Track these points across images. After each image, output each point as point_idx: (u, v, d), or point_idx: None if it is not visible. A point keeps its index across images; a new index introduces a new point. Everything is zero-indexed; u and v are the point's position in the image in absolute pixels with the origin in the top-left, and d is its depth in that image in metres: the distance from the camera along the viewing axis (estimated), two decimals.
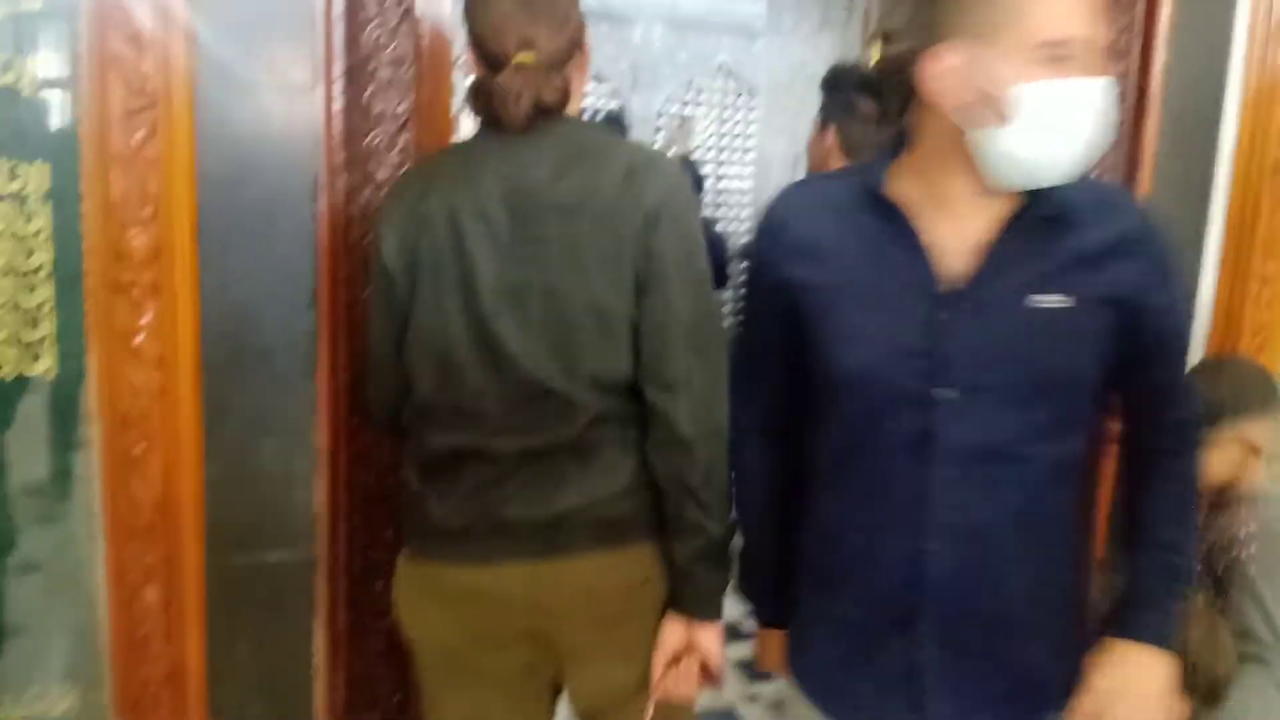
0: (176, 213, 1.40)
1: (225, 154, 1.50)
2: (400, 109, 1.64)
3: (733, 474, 1.36)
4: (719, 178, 5.51)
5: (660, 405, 1.31)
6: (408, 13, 1.61)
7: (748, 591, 1.45)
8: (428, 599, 1.44)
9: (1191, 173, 2.14)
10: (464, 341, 1.33)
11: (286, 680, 1.72)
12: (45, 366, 1.42)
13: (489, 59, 1.34)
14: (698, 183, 5.01)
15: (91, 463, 1.48)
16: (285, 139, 1.55)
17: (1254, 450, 1.80)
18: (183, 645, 1.59)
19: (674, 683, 1.40)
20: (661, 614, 1.40)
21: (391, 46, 1.61)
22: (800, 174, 3.22)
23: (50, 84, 1.37)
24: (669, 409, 1.31)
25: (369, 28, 1.59)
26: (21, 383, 1.42)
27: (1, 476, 1.48)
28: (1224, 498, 1.83)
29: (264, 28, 1.51)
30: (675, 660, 1.39)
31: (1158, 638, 1.20)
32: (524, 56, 1.31)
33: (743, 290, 1.40)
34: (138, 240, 1.38)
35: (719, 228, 5.25)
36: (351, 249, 1.64)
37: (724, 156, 5.64)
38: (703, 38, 5.43)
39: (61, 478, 1.51)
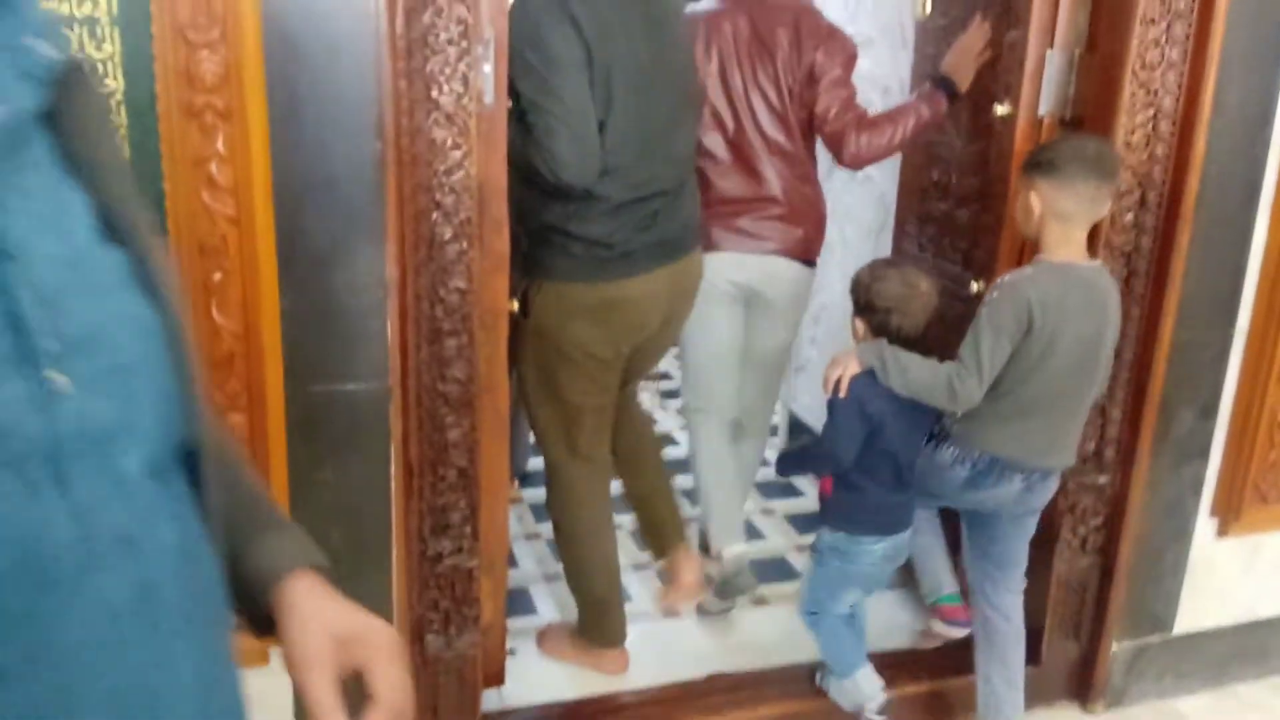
0: (244, 34, 1.39)
1: None
2: None
3: None
4: None
5: None
6: None
7: None
8: (598, 312, 2.05)
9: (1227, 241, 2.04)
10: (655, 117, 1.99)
11: (364, 507, 1.79)
12: None
13: None
14: None
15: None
16: None
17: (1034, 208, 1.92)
18: (266, 472, 1.65)
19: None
20: None
21: None
22: (859, 14, 3.07)
23: None
24: None
25: None
26: None
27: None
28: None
29: None
30: None
31: None
32: None
33: None
34: (208, 63, 1.38)
35: None
36: (413, 75, 1.62)
37: None
38: None
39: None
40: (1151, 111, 2.02)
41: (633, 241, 2.02)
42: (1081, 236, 1.93)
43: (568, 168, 1.90)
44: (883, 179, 2.97)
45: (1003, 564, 2.12)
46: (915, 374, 1.94)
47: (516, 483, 3.19)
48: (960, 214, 2.45)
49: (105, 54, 1.38)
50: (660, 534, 2.47)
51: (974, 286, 2.31)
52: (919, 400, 1.96)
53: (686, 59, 2.14)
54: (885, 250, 2.83)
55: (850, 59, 2.39)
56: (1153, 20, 1.97)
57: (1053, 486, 2.07)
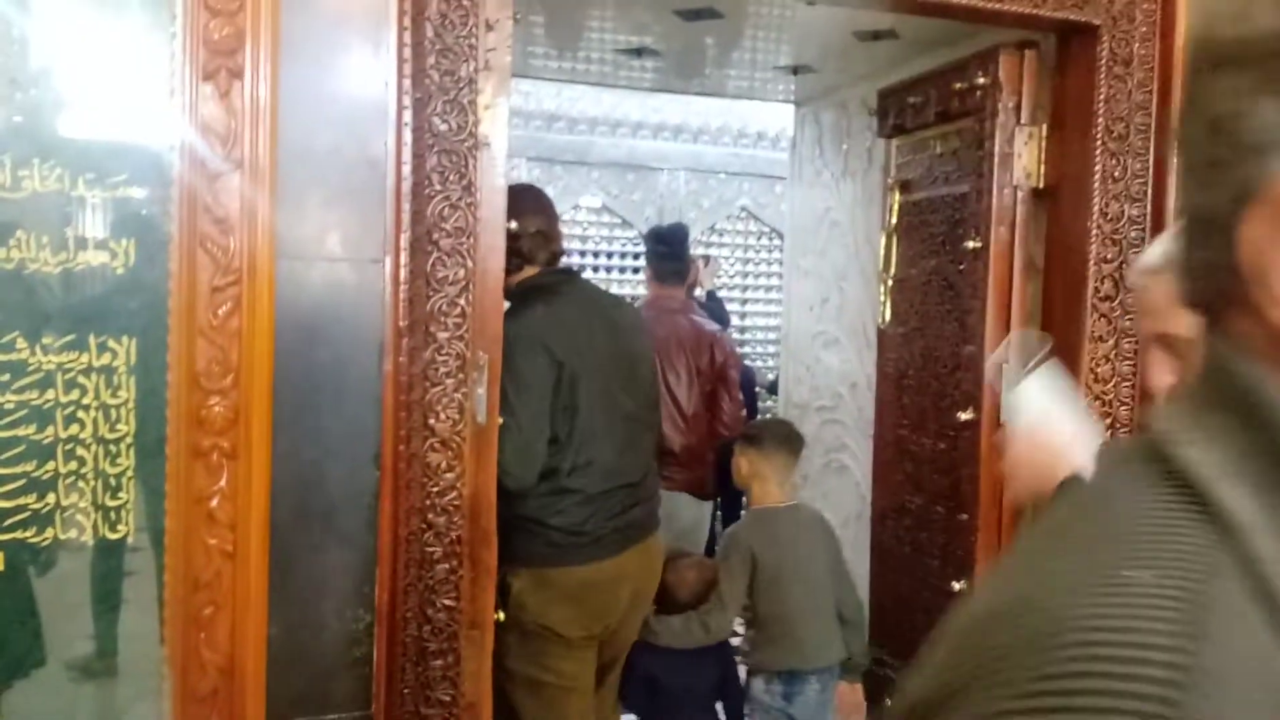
0: (255, 379, 1.47)
1: (301, 323, 1.58)
2: (460, 274, 1.74)
3: None
4: (743, 315, 5.64)
5: None
6: (469, 186, 1.73)
7: None
8: (574, 594, 2.18)
9: None
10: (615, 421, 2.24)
11: None
12: (124, 531, 1.47)
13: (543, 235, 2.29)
14: (723, 319, 5.13)
15: (141, 617, 1.51)
16: (355, 305, 1.64)
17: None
18: None
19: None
20: None
21: (454, 218, 1.71)
22: (825, 313, 3.31)
23: (143, 265, 1.46)
24: None
25: (434, 201, 1.70)
26: (102, 545, 1.47)
27: (67, 643, 1.51)
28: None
29: (339, 205, 1.62)
30: None
31: None
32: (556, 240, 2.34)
33: None
34: (218, 408, 1.45)
35: (746, 363, 5.35)
36: (413, 406, 1.71)
37: (748, 294, 5.79)
38: (725, 183, 5.66)
39: (109, 633, 1.54)
40: (1110, 419, 2.14)
41: (604, 528, 2.22)
42: (777, 490, 2.56)
43: (509, 476, 2.03)
44: (858, 469, 3.06)
45: None
46: (673, 627, 2.47)
47: None
48: (936, 510, 2.51)
49: (120, 400, 1.45)
50: None
51: (955, 587, 2.33)
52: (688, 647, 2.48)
53: (648, 362, 2.44)
54: (864, 539, 2.87)
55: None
56: (1100, 338, 2.13)
57: (836, 684, 2.58)
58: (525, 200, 2.22)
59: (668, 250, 3.31)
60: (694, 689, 2.53)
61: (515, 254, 2.09)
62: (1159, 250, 1.18)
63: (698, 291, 5.34)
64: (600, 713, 2.41)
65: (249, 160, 1.51)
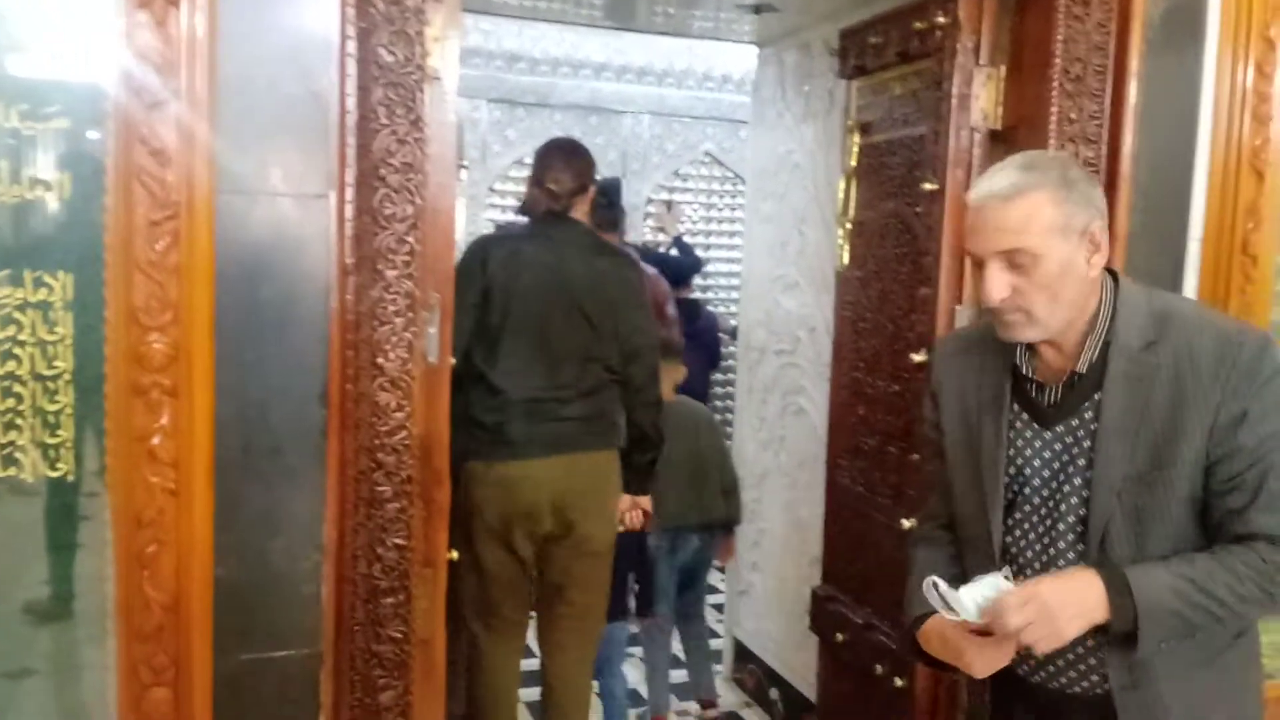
0: (195, 316, 1.45)
1: (243, 259, 1.56)
2: (408, 211, 1.71)
3: None
4: (706, 260, 5.62)
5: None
6: (416, 121, 1.69)
7: None
8: (494, 487, 2.49)
9: (1163, 252, 2.23)
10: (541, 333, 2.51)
11: None
12: (64, 470, 1.45)
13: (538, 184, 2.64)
14: (694, 264, 5.12)
15: (96, 561, 1.50)
16: (300, 241, 1.61)
17: None
18: None
19: (630, 520, 2.78)
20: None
21: (401, 153, 1.68)
22: (785, 257, 3.30)
23: (78, 199, 1.43)
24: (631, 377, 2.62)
25: (380, 136, 1.66)
26: (41, 484, 1.45)
27: (10, 579, 1.50)
28: None
29: (281, 137, 1.59)
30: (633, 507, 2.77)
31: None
32: (553, 185, 2.61)
33: None
34: (158, 344, 1.43)
35: (709, 309, 5.35)
36: (360, 345, 1.69)
37: (711, 240, 5.77)
38: (689, 127, 5.60)
39: (64, 576, 1.53)
40: None
41: (525, 433, 2.49)
42: (666, 389, 2.99)
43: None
44: (815, 412, 3.08)
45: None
46: None
47: None
48: (889, 450, 2.54)
49: (57, 336, 1.43)
50: None
51: (905, 524, 2.37)
52: None
53: (609, 304, 2.58)
54: (819, 480, 2.90)
55: None
56: None
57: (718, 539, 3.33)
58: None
59: (605, 200, 3.59)
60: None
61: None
62: (1008, 180, 1.33)
63: (662, 237, 5.32)
64: (559, 644, 2.70)
65: (186, 91, 1.47)
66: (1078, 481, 1.38)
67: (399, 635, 1.80)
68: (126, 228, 1.42)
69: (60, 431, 1.44)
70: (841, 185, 2.71)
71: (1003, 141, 2.26)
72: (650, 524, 2.94)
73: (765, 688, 3.41)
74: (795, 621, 3.12)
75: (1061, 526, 1.39)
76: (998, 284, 1.33)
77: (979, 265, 1.36)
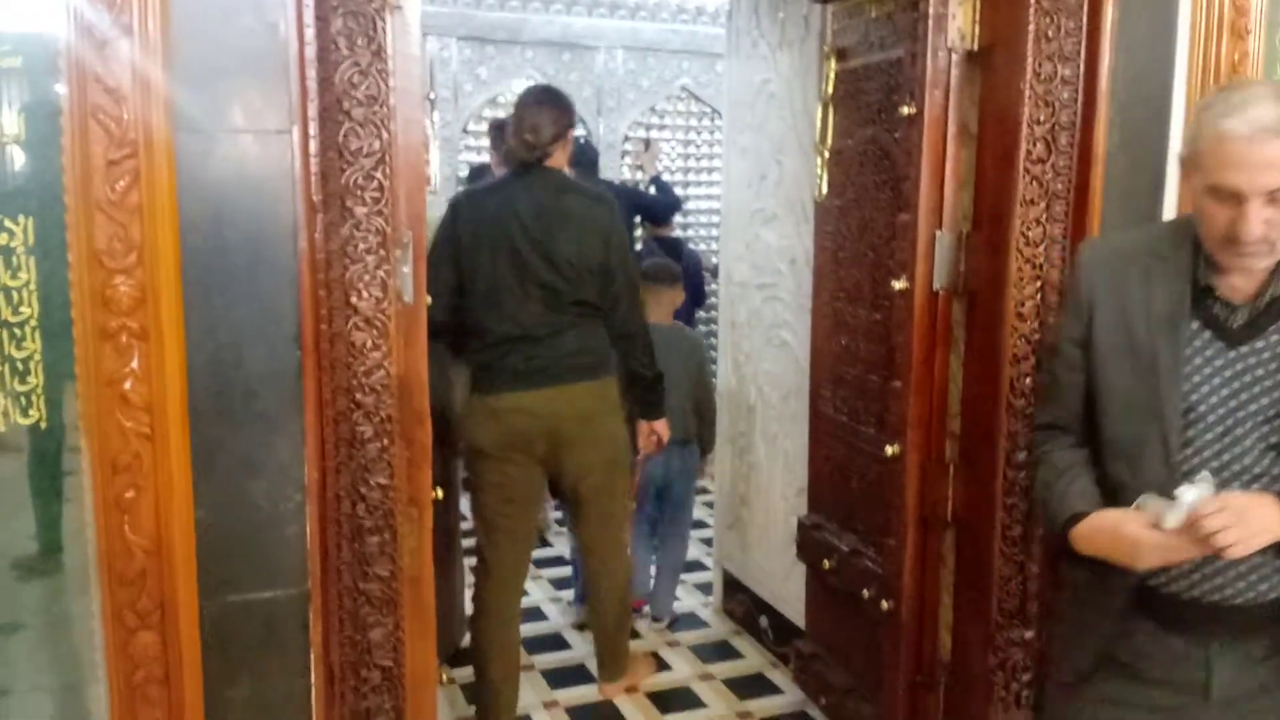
0: (161, 258, 1.42)
1: (206, 198, 1.52)
2: (375, 146, 1.67)
3: None
4: (686, 198, 5.57)
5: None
6: (378, 52, 1.65)
7: None
8: (488, 417, 2.72)
9: (1142, 169, 2.21)
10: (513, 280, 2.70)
11: (284, 718, 1.73)
12: (36, 417, 1.44)
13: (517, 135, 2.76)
14: (672, 203, 5.06)
15: (81, 513, 1.49)
16: (264, 180, 1.57)
17: None
18: (180, 688, 1.59)
19: (644, 444, 3.05)
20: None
21: (364, 85, 1.64)
22: (764, 189, 3.27)
23: (33, 138, 1.39)
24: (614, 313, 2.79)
25: (341, 68, 1.62)
26: (13, 431, 1.44)
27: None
28: None
29: (239, 73, 1.55)
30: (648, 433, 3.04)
31: None
32: (529, 136, 2.73)
33: None
34: (124, 287, 1.40)
35: (690, 247, 5.32)
36: (332, 285, 1.67)
37: (690, 177, 5.71)
38: (665, 62, 5.51)
39: (50, 529, 1.52)
40: (1039, 284, 2.15)
41: (509, 368, 2.70)
42: (658, 312, 3.32)
43: None
44: (798, 344, 3.08)
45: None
46: None
47: (446, 667, 3.09)
48: (871, 379, 2.55)
49: (20, 282, 1.40)
50: (600, 659, 3.10)
51: (889, 451, 2.38)
52: None
53: (579, 244, 2.71)
54: (803, 412, 2.91)
55: None
56: (1032, 201, 2.13)
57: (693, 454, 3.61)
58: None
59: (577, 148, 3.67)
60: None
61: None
62: (1276, 113, 1.27)
63: (640, 175, 5.26)
64: (588, 545, 3.02)
65: (138, 26, 1.43)
66: (1265, 401, 1.38)
67: (386, 574, 1.81)
68: (84, 168, 1.38)
69: (30, 379, 1.42)
70: (819, 113, 2.67)
71: (980, 63, 2.23)
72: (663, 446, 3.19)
73: (755, 616, 3.45)
74: (783, 551, 3.15)
75: (1238, 449, 1.39)
76: (1257, 221, 1.28)
77: (1227, 199, 1.31)
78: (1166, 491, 1.35)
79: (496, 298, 2.69)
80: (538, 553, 3.71)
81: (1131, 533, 1.36)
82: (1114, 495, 1.47)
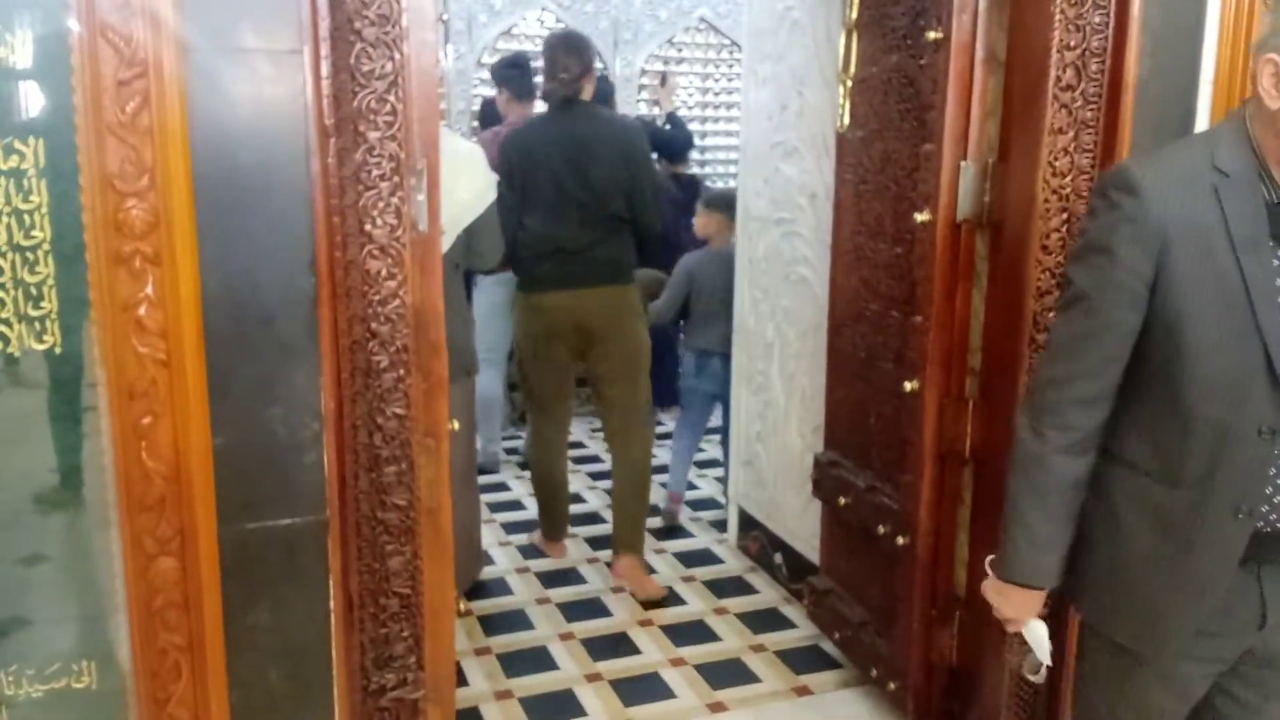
0: (173, 181, 1.40)
1: (218, 121, 1.50)
2: (388, 68, 1.64)
3: None
4: (703, 134, 5.49)
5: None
6: None
7: None
8: (533, 312, 3.36)
9: (1174, 97, 2.15)
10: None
11: (303, 643, 1.74)
12: (50, 341, 1.43)
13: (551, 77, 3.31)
14: (686, 140, 4.99)
15: (99, 445, 1.49)
16: (276, 103, 1.54)
17: None
18: (200, 614, 1.60)
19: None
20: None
21: (376, 3, 1.60)
22: (784, 121, 3.21)
23: (41, 59, 1.36)
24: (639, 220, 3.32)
25: None
26: (28, 357, 1.43)
27: (9, 456, 1.49)
28: None
29: None
30: None
31: None
32: (564, 74, 3.26)
33: None
34: (136, 210, 1.38)
35: (708, 184, 5.25)
36: (346, 211, 1.64)
37: (708, 113, 5.62)
38: None
39: (69, 455, 1.52)
40: (1065, 215, 2.11)
41: (546, 274, 3.29)
42: (719, 238, 3.92)
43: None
44: (817, 281, 3.04)
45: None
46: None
47: (464, 598, 3.13)
48: (891, 315, 2.51)
49: (32, 205, 1.38)
50: (616, 536, 3.46)
51: (907, 387, 2.36)
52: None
53: (606, 165, 3.23)
54: (821, 349, 2.88)
55: None
56: (1060, 130, 2.07)
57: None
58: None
59: (519, 73, 4.08)
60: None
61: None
62: None
63: (656, 111, 5.18)
64: (612, 430, 3.47)
65: None
66: None
67: (403, 503, 1.81)
68: (94, 88, 1.35)
69: (44, 303, 1.41)
70: (842, 40, 2.60)
71: None
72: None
73: (769, 553, 3.47)
74: (798, 489, 3.15)
75: None
76: None
77: None
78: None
79: (542, 216, 3.26)
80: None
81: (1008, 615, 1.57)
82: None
